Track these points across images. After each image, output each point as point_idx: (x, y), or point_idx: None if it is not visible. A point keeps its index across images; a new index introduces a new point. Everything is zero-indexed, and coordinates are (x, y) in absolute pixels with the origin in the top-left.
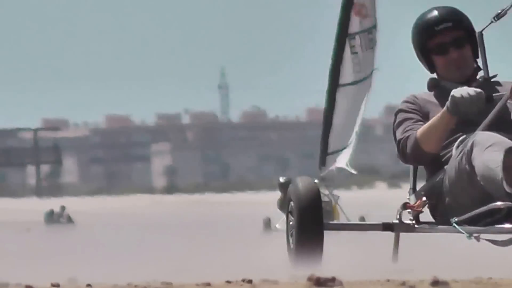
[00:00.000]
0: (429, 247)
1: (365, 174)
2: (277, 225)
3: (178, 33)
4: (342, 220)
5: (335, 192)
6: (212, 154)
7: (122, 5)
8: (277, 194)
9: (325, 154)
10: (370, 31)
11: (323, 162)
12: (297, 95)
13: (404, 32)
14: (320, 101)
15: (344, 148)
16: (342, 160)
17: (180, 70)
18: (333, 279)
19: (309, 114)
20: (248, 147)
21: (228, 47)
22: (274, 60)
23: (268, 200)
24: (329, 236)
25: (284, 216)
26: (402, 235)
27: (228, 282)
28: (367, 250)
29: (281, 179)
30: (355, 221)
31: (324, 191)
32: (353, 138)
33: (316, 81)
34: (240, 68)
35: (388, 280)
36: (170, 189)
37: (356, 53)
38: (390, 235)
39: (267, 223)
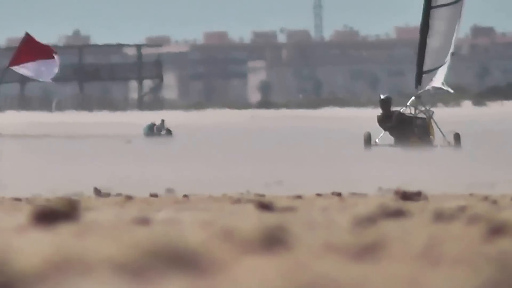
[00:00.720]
0: (508, 163)
1: (452, 93)
2: (377, 140)
3: None
4: (436, 134)
5: (431, 109)
6: (305, 71)
7: None
8: (367, 111)
9: (421, 73)
10: None
11: (419, 81)
12: (387, 14)
13: None
14: (409, 20)
15: (441, 67)
16: (438, 80)
17: None
18: (418, 193)
19: (398, 33)
20: (339, 64)
21: None
22: None
23: (358, 116)
24: (409, 153)
25: (383, 132)
26: (490, 153)
27: (319, 195)
28: (446, 166)
29: (382, 96)
30: (449, 136)
31: (420, 108)
32: (448, 58)
33: (405, 1)
34: None
35: (471, 195)
36: (265, 104)
37: None
38: (460, 151)
39: (368, 138)
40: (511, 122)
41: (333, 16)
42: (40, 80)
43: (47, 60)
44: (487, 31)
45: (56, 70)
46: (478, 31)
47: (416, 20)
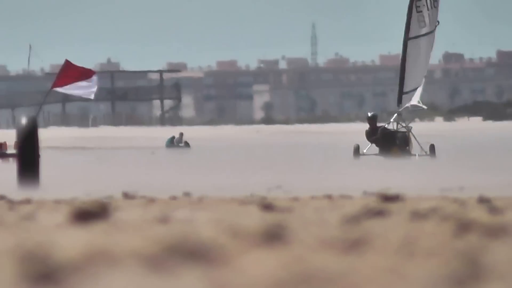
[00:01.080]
0: (474, 170)
1: (427, 110)
2: (364, 151)
3: None
4: (414, 145)
5: (410, 124)
6: (303, 92)
7: None
8: (355, 126)
9: (401, 93)
10: None
11: (400, 100)
12: (372, 44)
13: None
14: (390, 48)
15: (417, 88)
16: (415, 99)
17: (278, 24)
18: (397, 196)
19: (381, 59)
20: (331, 87)
21: (318, 6)
22: (354, 17)
23: (347, 131)
24: (391, 161)
25: (370, 144)
26: (458, 161)
27: (312, 197)
28: (422, 172)
29: (369, 114)
30: (425, 147)
31: (401, 123)
32: (423, 81)
33: (386, 32)
34: (327, 23)
35: (443, 197)
36: (268, 121)
37: (421, 12)
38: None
39: (357, 149)
40: (476, 136)
41: (326, 46)
42: (83, 97)
43: (87, 80)
44: (457, 57)
45: (95, 89)
46: (449, 57)
47: (396, 48)
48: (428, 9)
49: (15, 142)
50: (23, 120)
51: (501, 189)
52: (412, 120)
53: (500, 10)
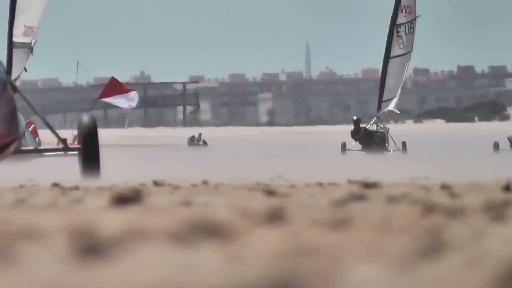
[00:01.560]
0: (438, 162)
1: (399, 114)
2: (350, 147)
3: (280, 20)
4: (390, 143)
5: (387, 125)
6: (300, 100)
7: None
8: (342, 128)
9: (381, 101)
10: (412, 22)
11: (379, 107)
12: (356, 60)
13: (433, 20)
14: (370, 63)
15: (394, 97)
16: (392, 105)
17: (279, 44)
18: (375, 183)
19: (363, 73)
20: (323, 96)
21: (311, 29)
22: (341, 38)
23: (336, 131)
24: (371, 156)
25: (354, 141)
26: (425, 155)
27: (307, 184)
28: (396, 164)
29: (354, 117)
30: (399, 144)
31: (380, 125)
32: (399, 92)
33: (367, 51)
34: (319, 43)
35: (412, 184)
36: (271, 123)
37: (401, 36)
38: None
39: (343, 146)
40: (439, 135)
41: (318, 61)
42: (123, 108)
43: (128, 94)
44: (424, 72)
45: (134, 103)
46: (418, 71)
47: (375, 64)
48: (406, 35)
49: (75, 138)
50: (85, 119)
51: (459, 178)
52: (388, 122)
53: (459, 33)
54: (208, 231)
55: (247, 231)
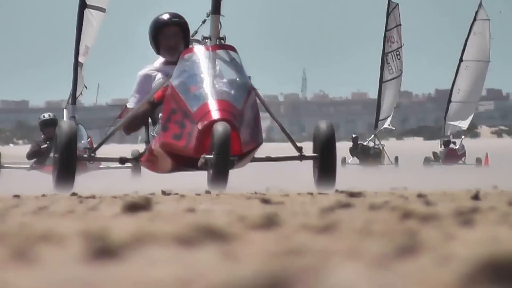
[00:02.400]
0: (415, 174)
1: (382, 132)
2: (349, 161)
3: (279, 44)
4: (385, 159)
5: (382, 141)
6: (295, 120)
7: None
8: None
9: (377, 120)
10: (398, 51)
11: (376, 125)
12: (346, 83)
13: (419, 46)
14: (360, 87)
15: (389, 116)
16: (387, 123)
17: (278, 69)
18: (360, 193)
19: (353, 96)
20: (317, 116)
21: (307, 56)
22: (333, 65)
23: None
24: (367, 169)
25: (352, 157)
26: (404, 168)
27: (299, 194)
28: (371, 176)
29: (353, 135)
30: (393, 159)
31: (377, 142)
32: (393, 111)
33: (356, 76)
34: (314, 68)
35: (392, 193)
36: (269, 140)
37: (389, 63)
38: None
39: (343, 160)
40: (418, 151)
41: (313, 84)
42: None
43: None
44: (407, 94)
45: None
46: (401, 94)
47: (364, 88)
48: (393, 61)
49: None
50: (323, 126)
51: (434, 188)
52: (385, 139)
53: (439, 59)
54: (210, 234)
55: (244, 235)
